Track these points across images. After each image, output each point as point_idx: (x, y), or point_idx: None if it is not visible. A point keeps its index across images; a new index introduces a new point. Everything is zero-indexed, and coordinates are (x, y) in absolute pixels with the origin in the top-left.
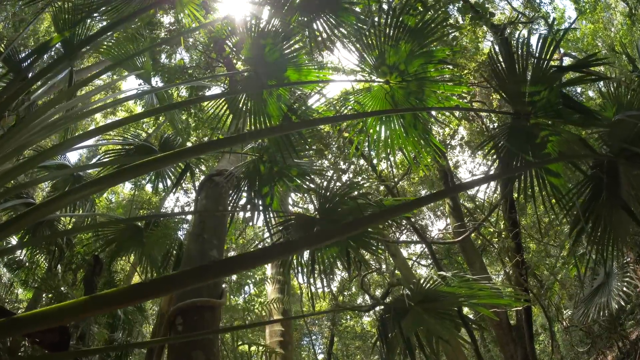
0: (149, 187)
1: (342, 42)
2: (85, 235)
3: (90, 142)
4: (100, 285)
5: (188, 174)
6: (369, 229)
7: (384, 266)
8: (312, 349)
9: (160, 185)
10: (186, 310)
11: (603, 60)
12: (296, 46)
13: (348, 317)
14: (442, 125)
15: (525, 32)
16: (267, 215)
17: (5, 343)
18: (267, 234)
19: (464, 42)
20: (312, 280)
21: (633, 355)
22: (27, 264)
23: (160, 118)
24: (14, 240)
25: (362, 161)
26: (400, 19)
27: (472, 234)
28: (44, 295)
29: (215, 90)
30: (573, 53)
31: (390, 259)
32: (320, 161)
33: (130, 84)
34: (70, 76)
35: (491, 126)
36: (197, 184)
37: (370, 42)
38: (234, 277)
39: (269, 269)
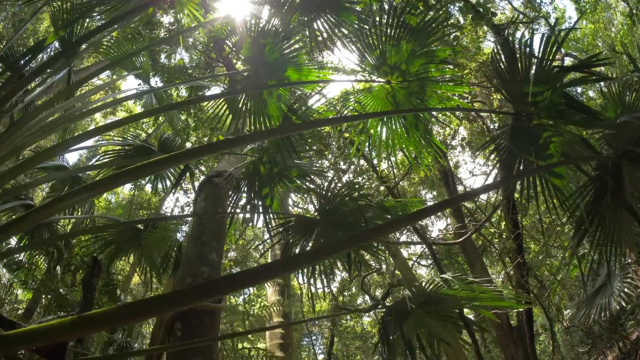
0: (148, 187)
1: (342, 41)
2: (84, 237)
3: (90, 142)
4: (99, 287)
5: (187, 175)
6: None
7: (384, 266)
8: (312, 350)
9: (160, 186)
10: (185, 314)
11: (606, 61)
12: (296, 46)
13: (348, 317)
14: (443, 125)
15: (526, 32)
16: (267, 217)
17: None
18: (267, 235)
19: (465, 42)
20: (312, 281)
21: (633, 355)
22: (26, 264)
23: (160, 118)
24: (13, 241)
25: (362, 161)
26: (402, 18)
27: (473, 234)
28: (43, 296)
29: (215, 90)
30: (574, 53)
31: (391, 259)
32: (320, 161)
33: (130, 84)
34: (68, 76)
35: (492, 126)
36: (196, 184)
37: (371, 41)
38: None
39: None
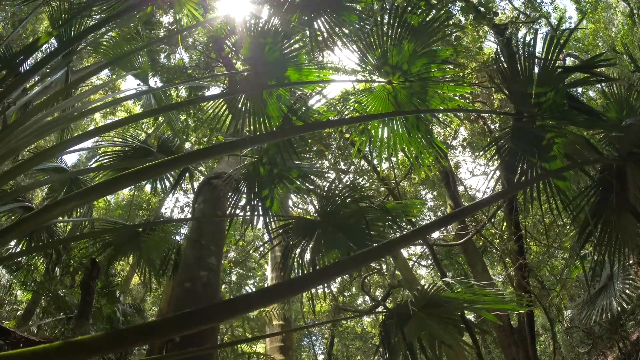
0: (148, 188)
1: (343, 41)
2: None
3: (89, 143)
4: (98, 289)
5: (187, 175)
6: (372, 232)
7: (384, 267)
8: (312, 350)
9: (159, 187)
10: None
11: (609, 62)
12: (296, 45)
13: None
14: (444, 126)
15: (526, 32)
16: (267, 219)
17: None
18: (267, 236)
19: (465, 42)
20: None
21: (634, 356)
22: (25, 265)
23: (160, 118)
24: (13, 242)
25: (362, 162)
26: (404, 17)
27: (474, 236)
28: (42, 298)
29: (215, 90)
30: (574, 53)
31: (391, 260)
32: (320, 162)
33: (130, 84)
34: (66, 76)
35: (492, 127)
36: (196, 184)
37: (372, 41)
38: (234, 277)
39: (268, 271)
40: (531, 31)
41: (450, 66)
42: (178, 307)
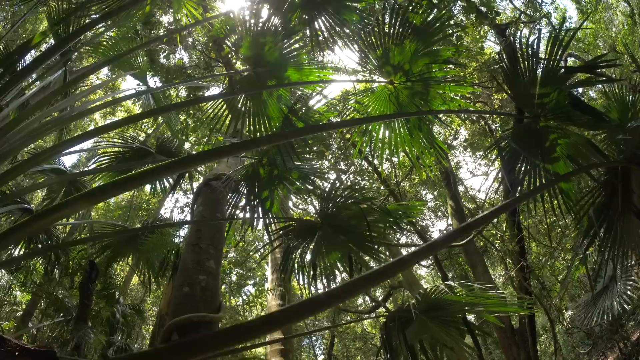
0: (147, 188)
1: (344, 41)
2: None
3: (88, 144)
4: (97, 291)
5: (187, 176)
6: (373, 234)
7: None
8: (312, 350)
9: (159, 187)
10: (182, 326)
11: (612, 62)
12: (297, 45)
13: (348, 317)
14: (446, 126)
15: (527, 32)
16: (267, 220)
17: None
18: (267, 237)
19: (466, 42)
20: (312, 281)
21: (634, 356)
22: (24, 265)
23: (160, 118)
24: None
25: (363, 162)
26: (406, 16)
27: (475, 237)
28: (41, 299)
29: (214, 90)
30: (574, 53)
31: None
32: (320, 162)
33: (130, 83)
34: (64, 77)
35: (493, 127)
36: (195, 184)
37: (373, 41)
38: (234, 278)
39: (269, 272)
40: (532, 31)
41: (451, 66)
42: (176, 312)
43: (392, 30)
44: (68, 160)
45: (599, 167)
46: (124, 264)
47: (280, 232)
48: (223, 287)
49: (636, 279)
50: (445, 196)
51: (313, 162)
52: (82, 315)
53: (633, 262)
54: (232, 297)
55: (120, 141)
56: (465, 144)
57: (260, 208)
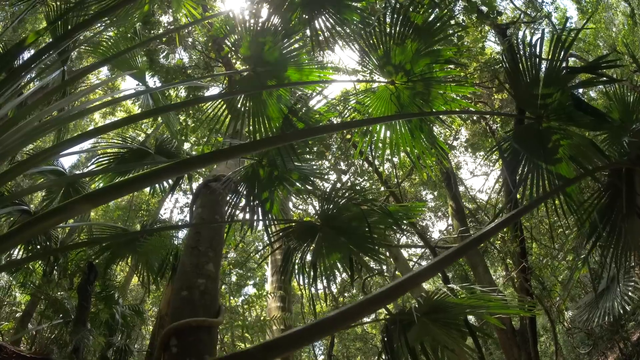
0: (147, 189)
1: (345, 40)
2: (80, 240)
3: (87, 144)
4: (96, 293)
5: (186, 176)
6: (374, 235)
7: (384, 268)
8: (312, 351)
9: (158, 187)
10: (181, 330)
11: (614, 63)
12: (297, 45)
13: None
14: (446, 126)
15: (528, 32)
16: (267, 222)
17: None
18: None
19: (467, 42)
20: (312, 282)
21: (635, 356)
22: (24, 265)
23: (159, 118)
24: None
25: (363, 162)
26: (407, 16)
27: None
28: (40, 300)
29: (214, 90)
30: (575, 53)
31: (392, 261)
32: (320, 162)
33: (130, 83)
34: (62, 77)
35: (494, 127)
36: (195, 185)
37: (374, 40)
38: (234, 278)
39: (269, 272)
40: (534, 31)
41: (453, 66)
42: (175, 317)
43: (393, 30)
44: (67, 161)
45: (605, 169)
46: (124, 264)
47: (281, 234)
48: (223, 287)
49: (637, 279)
50: (446, 196)
51: (313, 163)
52: (81, 317)
53: (634, 263)
54: (232, 298)
55: (119, 142)
56: (466, 144)
57: (260, 209)
